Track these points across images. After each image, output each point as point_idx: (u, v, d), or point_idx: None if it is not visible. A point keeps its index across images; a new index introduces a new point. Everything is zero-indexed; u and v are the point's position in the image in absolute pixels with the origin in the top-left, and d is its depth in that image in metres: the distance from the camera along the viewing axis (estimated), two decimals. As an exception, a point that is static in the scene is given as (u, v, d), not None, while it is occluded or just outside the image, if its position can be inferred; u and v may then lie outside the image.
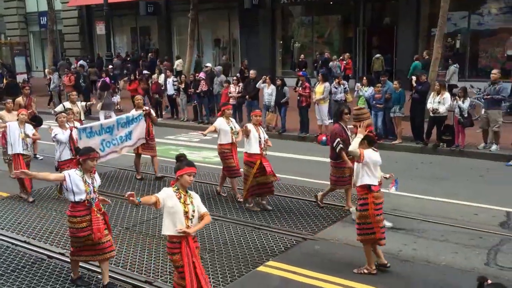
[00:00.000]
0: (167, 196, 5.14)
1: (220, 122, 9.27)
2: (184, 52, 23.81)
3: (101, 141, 10.11)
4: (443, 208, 8.73)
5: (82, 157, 5.95)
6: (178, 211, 5.08)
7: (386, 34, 22.68)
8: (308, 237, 7.69)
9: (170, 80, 18.34)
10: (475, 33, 20.82)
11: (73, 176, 5.92)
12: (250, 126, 8.76)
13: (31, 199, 9.65)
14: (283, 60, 26.26)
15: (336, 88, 14.71)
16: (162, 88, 18.51)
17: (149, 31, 31.23)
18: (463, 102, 12.09)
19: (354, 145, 6.41)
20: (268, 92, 15.20)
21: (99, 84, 20.30)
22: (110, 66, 22.29)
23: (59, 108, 11.68)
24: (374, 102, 13.54)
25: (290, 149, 13.31)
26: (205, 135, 9.24)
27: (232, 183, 9.54)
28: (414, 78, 13.93)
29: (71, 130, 9.40)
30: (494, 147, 12.09)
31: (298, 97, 14.76)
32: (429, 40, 20.16)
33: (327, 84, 14.68)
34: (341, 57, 21.40)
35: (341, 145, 8.36)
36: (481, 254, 6.93)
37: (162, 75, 19.03)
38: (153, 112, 11.03)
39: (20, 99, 12.78)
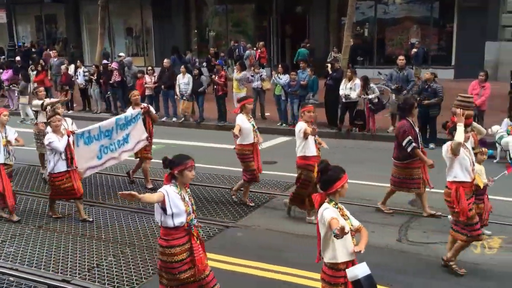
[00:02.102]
0: (336, 215, 4.22)
1: (242, 120, 8.23)
2: (95, 41, 22.92)
3: (99, 147, 8.64)
4: (358, 190, 9.00)
5: (178, 169, 4.71)
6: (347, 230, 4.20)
7: (299, 23, 23.13)
8: (230, 225, 7.76)
9: (80, 71, 17.67)
10: (381, 21, 21.84)
11: (171, 194, 4.69)
12: (303, 124, 7.58)
13: (15, 218, 8.16)
14: (198, 49, 26.02)
15: (253, 76, 14.83)
16: (73, 79, 17.75)
17: (56, 19, 29.63)
18: (367, 92, 12.63)
19: (460, 137, 5.81)
20: (184, 81, 15.04)
21: (4, 76, 19.07)
22: (18, 58, 20.96)
23: (35, 106, 10.23)
24: (289, 89, 13.82)
25: (208, 138, 13.26)
26: (238, 136, 8.03)
27: (246, 188, 8.63)
28: (329, 65, 14.34)
29: (69, 136, 7.91)
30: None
31: (215, 86, 14.74)
32: (340, 28, 20.83)
33: (244, 72, 14.80)
34: (255, 47, 21.56)
35: (414, 144, 7.59)
36: (393, 232, 7.32)
37: (72, 66, 18.27)
38: (152, 110, 9.65)
39: None
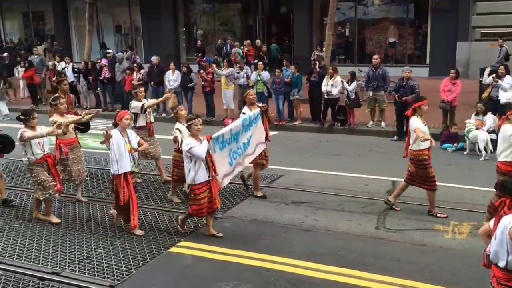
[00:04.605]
0: None
1: (419, 123, 7.49)
2: (83, 38, 23.13)
3: (229, 152, 7.75)
4: (339, 181, 9.56)
5: None
6: None
7: (283, 22, 23.58)
8: (218, 216, 7.87)
9: (69, 67, 17.98)
10: (361, 22, 22.39)
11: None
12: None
13: (139, 232, 7.42)
14: (187, 46, 26.33)
15: (238, 73, 15.26)
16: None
17: (43, 16, 29.71)
18: (350, 85, 13.24)
19: None
20: (173, 78, 15.40)
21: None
22: (5, 54, 21.13)
23: (134, 108, 9.24)
24: (274, 86, 14.32)
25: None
26: (424, 140, 7.29)
27: (432, 197, 7.82)
28: (317, 63, 14.84)
29: (208, 141, 6.99)
30: (383, 124, 13.45)
31: (203, 83, 15.14)
32: (322, 28, 21.31)
33: (231, 69, 15.18)
34: (243, 45, 21.92)
35: None
36: (372, 220, 7.71)
37: (63, 63, 18.53)
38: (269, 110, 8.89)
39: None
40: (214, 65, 15.60)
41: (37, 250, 6.89)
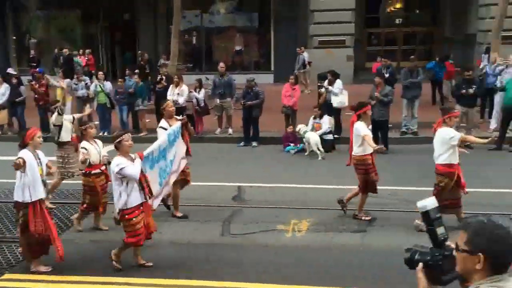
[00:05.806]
0: None
1: (365, 128, 7.46)
2: None
3: (159, 171, 6.99)
4: (184, 190, 9.20)
5: None
6: None
7: (127, 30, 23.08)
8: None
9: None
10: (208, 30, 22.80)
11: None
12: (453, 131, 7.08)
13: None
14: (18, 56, 24.36)
15: (76, 84, 14.34)
16: None
17: None
18: (198, 93, 13.17)
19: None
20: (1, 92, 14.00)
21: None
22: None
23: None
24: (117, 96, 13.70)
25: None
26: (378, 149, 7.44)
27: (362, 201, 7.70)
28: (166, 72, 14.49)
29: (142, 159, 6.23)
30: (230, 130, 13.60)
31: (35, 96, 13.93)
32: (168, 36, 21.09)
33: (68, 80, 14.34)
34: (80, 53, 20.81)
35: None
36: (217, 227, 7.63)
37: None
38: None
39: None
40: (48, 76, 14.43)
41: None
